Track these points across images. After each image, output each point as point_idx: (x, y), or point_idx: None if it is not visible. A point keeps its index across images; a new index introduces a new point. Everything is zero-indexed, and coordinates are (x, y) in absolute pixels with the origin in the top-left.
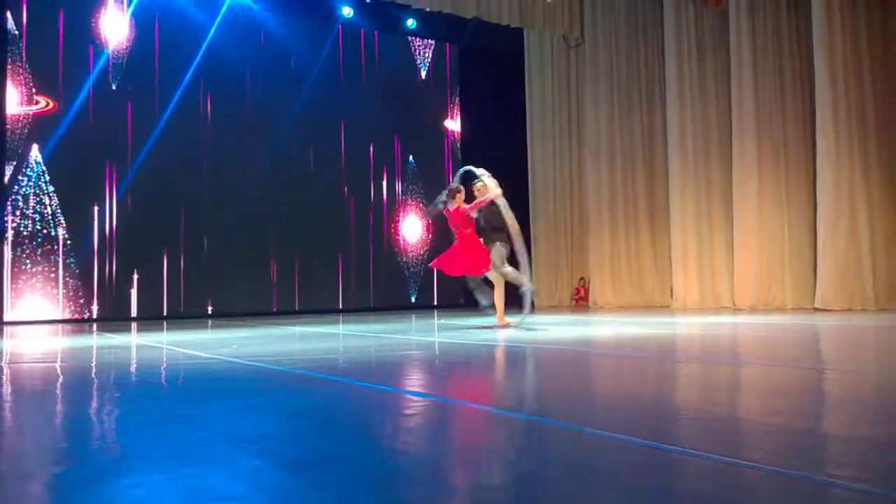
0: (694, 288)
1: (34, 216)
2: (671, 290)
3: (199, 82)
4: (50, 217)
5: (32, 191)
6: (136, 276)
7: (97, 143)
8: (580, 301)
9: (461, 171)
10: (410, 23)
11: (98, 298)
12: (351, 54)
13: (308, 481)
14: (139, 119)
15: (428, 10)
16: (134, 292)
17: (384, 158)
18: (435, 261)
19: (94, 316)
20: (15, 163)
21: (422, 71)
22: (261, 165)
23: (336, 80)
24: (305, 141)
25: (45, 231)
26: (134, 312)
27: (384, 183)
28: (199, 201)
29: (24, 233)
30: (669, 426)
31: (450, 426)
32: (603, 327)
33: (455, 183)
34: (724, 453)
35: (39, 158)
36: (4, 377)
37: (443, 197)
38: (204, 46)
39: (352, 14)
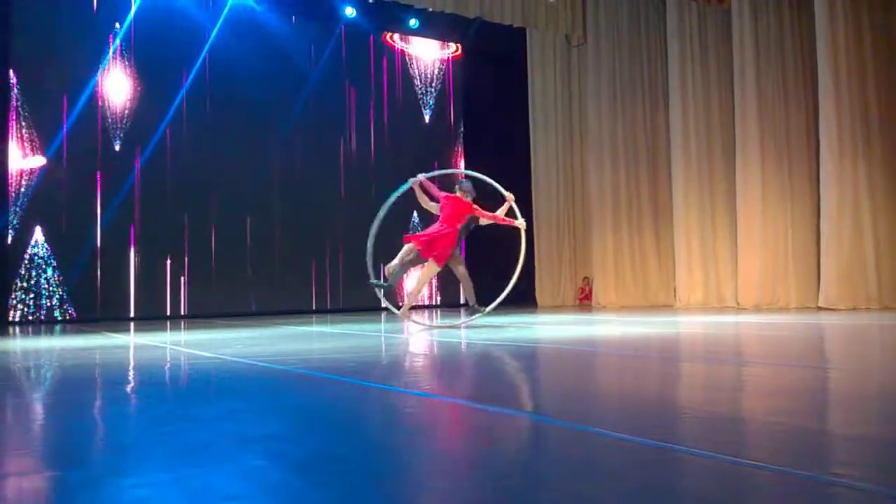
0: (698, 287)
1: (38, 216)
2: (675, 289)
3: (200, 83)
4: (52, 215)
5: (36, 192)
6: (137, 277)
7: (101, 139)
8: (584, 300)
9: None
10: (413, 23)
11: (99, 298)
12: (353, 54)
13: (312, 481)
14: (141, 119)
15: (430, 9)
16: (134, 293)
17: (385, 158)
18: (412, 237)
19: (97, 316)
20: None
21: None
22: (262, 166)
23: (338, 80)
24: (307, 141)
25: (46, 230)
26: (132, 313)
27: (384, 183)
28: (200, 201)
29: (24, 231)
30: (673, 425)
31: (453, 426)
32: (606, 327)
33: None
34: (729, 453)
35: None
36: (8, 377)
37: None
38: (206, 48)
39: (354, 14)
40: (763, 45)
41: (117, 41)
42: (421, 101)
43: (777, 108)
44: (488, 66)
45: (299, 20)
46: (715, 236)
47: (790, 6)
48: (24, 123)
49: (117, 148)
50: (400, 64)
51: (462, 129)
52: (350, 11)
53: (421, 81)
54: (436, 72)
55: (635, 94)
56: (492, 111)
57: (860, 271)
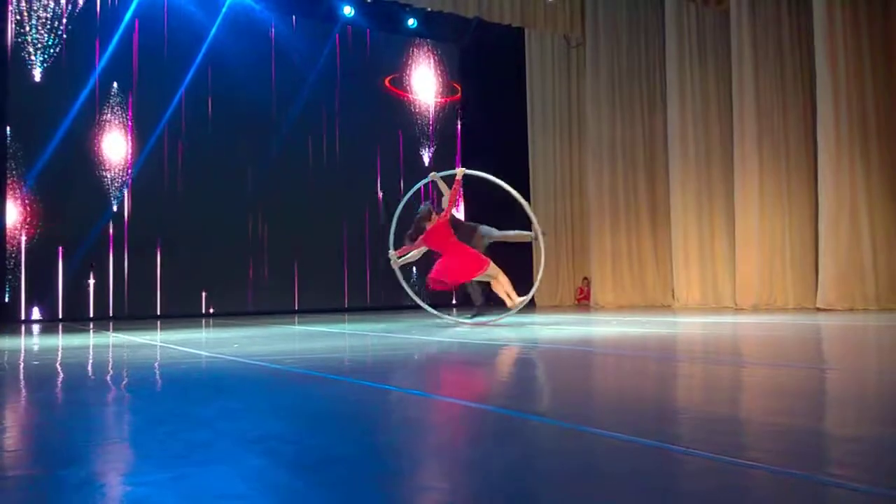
0: (695, 287)
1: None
2: (672, 290)
3: (200, 82)
4: (50, 215)
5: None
6: (131, 276)
7: (99, 138)
8: (583, 300)
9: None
10: (411, 22)
11: (93, 298)
12: (352, 54)
13: (311, 481)
14: (141, 119)
15: (429, 9)
16: (129, 292)
17: (385, 157)
18: (431, 277)
19: (91, 315)
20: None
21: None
22: (261, 165)
23: (337, 79)
24: (306, 140)
25: (45, 228)
26: (127, 311)
27: (386, 182)
28: (198, 200)
29: (24, 230)
30: (672, 426)
31: (454, 426)
32: (604, 327)
33: (425, 205)
34: (727, 453)
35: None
36: (5, 376)
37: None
38: (205, 47)
39: (353, 13)
40: (761, 46)
41: (115, 39)
42: (421, 100)
43: (775, 109)
44: (487, 67)
45: (298, 19)
46: (713, 236)
47: (788, 7)
48: (18, 131)
49: (116, 147)
50: (399, 61)
51: (460, 126)
52: (348, 11)
53: (422, 89)
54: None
55: (633, 95)
56: (490, 111)
57: (858, 272)
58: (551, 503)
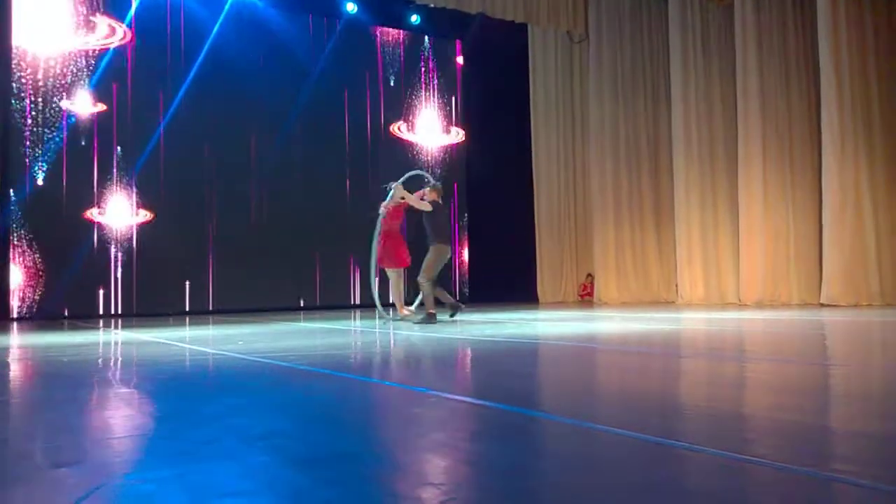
0: (699, 283)
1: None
2: (676, 285)
3: (202, 79)
4: (53, 215)
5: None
6: (138, 273)
7: (104, 137)
8: (586, 296)
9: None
10: (414, 18)
11: (99, 295)
12: (355, 50)
13: (315, 478)
14: (143, 116)
15: (432, 5)
16: (136, 290)
17: (387, 154)
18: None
19: (99, 313)
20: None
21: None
22: (264, 161)
23: (340, 76)
24: (308, 137)
25: (45, 228)
26: (136, 309)
27: (392, 177)
28: (200, 197)
29: (25, 231)
30: (676, 422)
31: (457, 422)
32: (608, 323)
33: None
34: (732, 449)
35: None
36: (9, 373)
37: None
38: (208, 43)
39: (356, 10)
40: (766, 40)
41: (116, 38)
42: (424, 96)
43: (779, 104)
44: (490, 63)
45: (300, 16)
46: (717, 232)
47: (792, 1)
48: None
49: (117, 144)
50: (403, 57)
51: (463, 127)
52: (351, 7)
53: (425, 85)
54: (437, 80)
55: (637, 90)
56: (493, 108)
57: (862, 268)
58: (554, 499)
